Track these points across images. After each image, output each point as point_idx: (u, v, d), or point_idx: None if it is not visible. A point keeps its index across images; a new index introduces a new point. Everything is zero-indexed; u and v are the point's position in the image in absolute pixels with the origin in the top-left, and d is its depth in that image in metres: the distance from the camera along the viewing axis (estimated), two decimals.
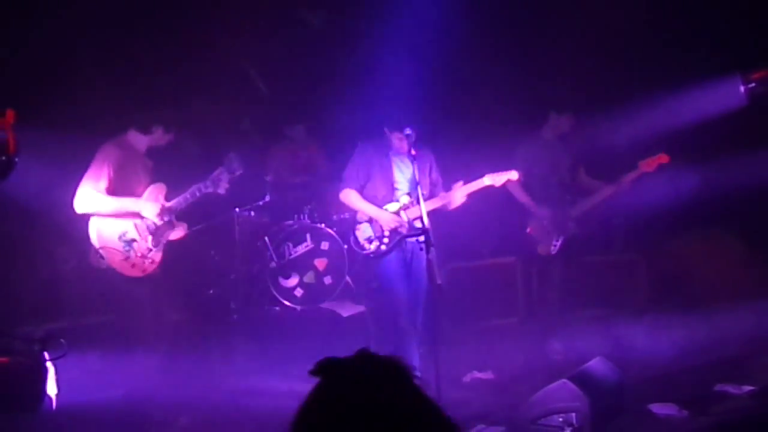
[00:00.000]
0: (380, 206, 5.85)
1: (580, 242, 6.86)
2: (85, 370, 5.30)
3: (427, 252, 4.91)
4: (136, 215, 5.17)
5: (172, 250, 5.45)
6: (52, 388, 3.38)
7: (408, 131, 5.31)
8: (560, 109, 6.82)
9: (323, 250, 7.26)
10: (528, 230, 6.80)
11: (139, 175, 5.29)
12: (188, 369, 6.24)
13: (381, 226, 5.83)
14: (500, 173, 5.84)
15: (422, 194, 5.56)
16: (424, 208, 5.31)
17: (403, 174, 5.88)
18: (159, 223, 5.24)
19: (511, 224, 7.11)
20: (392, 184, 5.87)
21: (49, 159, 5.47)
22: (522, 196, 6.74)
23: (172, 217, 5.34)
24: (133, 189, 5.23)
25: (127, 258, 5.08)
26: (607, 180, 6.78)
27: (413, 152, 5.30)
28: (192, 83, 7.29)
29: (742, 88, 6.95)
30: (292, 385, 6.19)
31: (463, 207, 6.03)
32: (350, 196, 5.90)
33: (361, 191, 5.89)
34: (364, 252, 5.92)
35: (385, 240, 5.83)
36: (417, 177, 5.28)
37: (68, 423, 4.32)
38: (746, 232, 7.64)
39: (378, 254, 5.86)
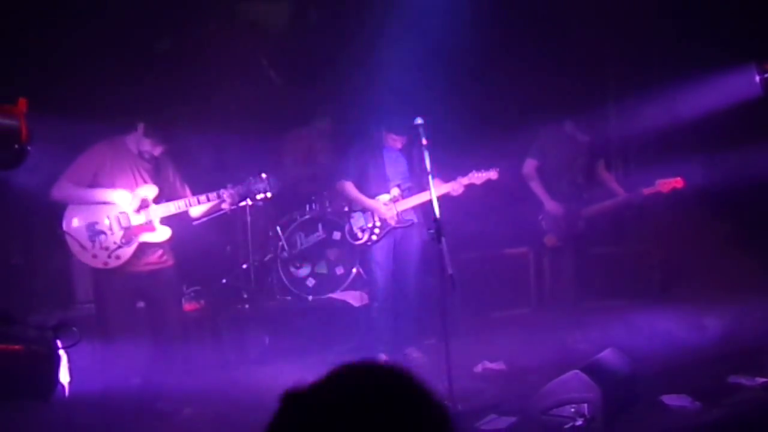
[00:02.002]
0: (373, 198, 6.28)
1: (591, 234, 6.84)
2: (96, 359, 5.33)
3: (438, 242, 4.89)
4: (111, 205, 5.14)
5: (182, 239, 5.45)
6: (64, 376, 3.40)
7: (419, 120, 5.29)
8: (577, 120, 6.77)
9: (335, 240, 7.28)
10: (540, 218, 6.78)
11: (129, 176, 5.22)
12: (200, 358, 6.27)
13: (373, 217, 6.24)
14: (482, 172, 6.12)
15: (412, 186, 6.17)
16: (429, 196, 5.47)
17: (394, 168, 6.32)
18: (132, 215, 5.18)
19: (523, 214, 7.09)
20: (385, 178, 6.30)
21: (62, 148, 5.47)
22: (537, 187, 6.74)
23: (153, 219, 5.25)
24: (122, 187, 5.20)
25: (84, 247, 5.08)
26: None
27: (425, 142, 5.27)
28: (205, 78, 7.31)
29: (757, 78, 6.88)
30: (304, 374, 6.22)
31: (475, 197, 6.04)
32: (347, 188, 6.35)
33: (356, 183, 6.31)
34: (357, 242, 6.35)
35: (377, 231, 6.26)
36: (428, 167, 5.25)
37: (80, 411, 4.35)
38: (760, 224, 7.59)
39: (369, 243, 6.28)
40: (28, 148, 3.37)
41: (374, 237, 6.26)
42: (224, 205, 5.53)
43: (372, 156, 6.32)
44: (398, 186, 6.28)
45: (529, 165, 6.80)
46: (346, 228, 6.43)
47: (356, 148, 6.45)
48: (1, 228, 6.41)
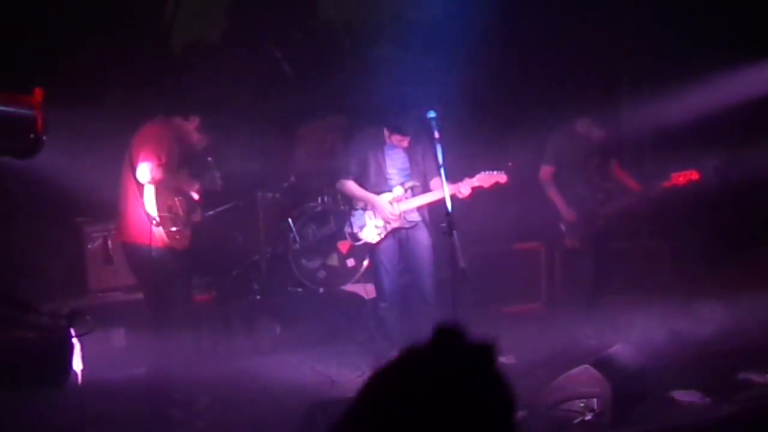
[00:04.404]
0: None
1: (610, 232, 6.84)
2: (110, 348, 5.36)
3: (450, 236, 4.90)
4: (183, 192, 5.25)
5: (194, 231, 5.48)
6: (77, 364, 3.43)
7: (432, 114, 5.29)
8: (591, 116, 6.72)
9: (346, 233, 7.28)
10: (560, 224, 6.77)
11: (176, 158, 5.30)
12: (211, 349, 6.31)
13: (375, 215, 5.98)
14: (491, 174, 5.85)
15: (417, 185, 5.93)
16: (433, 198, 5.64)
17: (395, 166, 6.05)
18: (194, 195, 5.34)
19: (534, 209, 7.07)
20: (385, 176, 6.03)
21: (77, 138, 5.51)
22: (554, 194, 6.68)
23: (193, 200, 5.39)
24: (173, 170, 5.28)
25: (171, 230, 5.11)
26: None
27: (437, 135, 5.26)
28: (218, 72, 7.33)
29: None
30: (314, 365, 6.25)
31: (486, 192, 6.01)
32: (347, 186, 6.10)
33: (357, 181, 6.05)
34: (358, 242, 6.09)
35: (378, 231, 5.99)
36: (441, 160, 5.25)
37: (93, 399, 4.37)
38: None
39: (371, 244, 6.04)
40: (44, 137, 3.40)
41: (376, 237, 6.00)
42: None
43: (373, 153, 6.03)
44: (401, 185, 6.00)
45: (545, 172, 6.73)
46: (346, 229, 6.16)
47: (356, 144, 6.21)
48: (14, 217, 6.46)
